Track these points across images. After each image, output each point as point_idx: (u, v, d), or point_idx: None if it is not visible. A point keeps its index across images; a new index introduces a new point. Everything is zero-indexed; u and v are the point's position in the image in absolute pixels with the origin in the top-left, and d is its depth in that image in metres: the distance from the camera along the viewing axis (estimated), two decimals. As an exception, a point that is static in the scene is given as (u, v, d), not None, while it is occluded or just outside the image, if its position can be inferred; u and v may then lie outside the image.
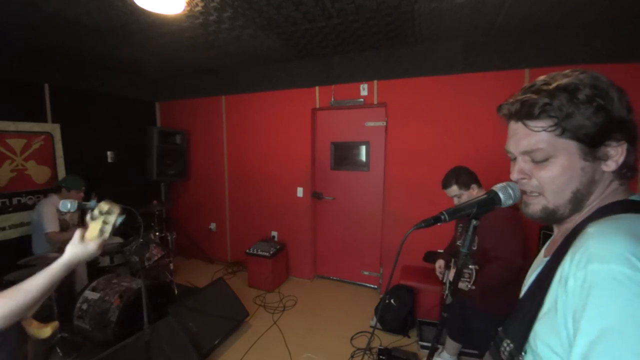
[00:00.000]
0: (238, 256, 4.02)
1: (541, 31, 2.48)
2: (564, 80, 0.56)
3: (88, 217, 1.00)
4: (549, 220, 0.64)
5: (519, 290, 1.73)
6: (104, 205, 1.02)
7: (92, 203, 1.06)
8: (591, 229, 0.51)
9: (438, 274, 2.03)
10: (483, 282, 1.58)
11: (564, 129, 0.55)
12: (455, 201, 1.88)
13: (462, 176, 1.86)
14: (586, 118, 0.54)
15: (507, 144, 0.66)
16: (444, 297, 2.05)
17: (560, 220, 0.63)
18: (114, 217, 1.01)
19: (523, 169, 0.63)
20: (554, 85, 0.57)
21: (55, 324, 0.98)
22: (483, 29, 2.50)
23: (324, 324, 2.81)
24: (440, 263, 2.03)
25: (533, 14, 2.20)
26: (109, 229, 1.00)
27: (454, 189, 1.85)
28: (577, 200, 0.59)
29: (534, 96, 0.58)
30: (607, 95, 0.54)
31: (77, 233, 0.99)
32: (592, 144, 0.55)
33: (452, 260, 2.00)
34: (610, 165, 0.56)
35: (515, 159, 0.65)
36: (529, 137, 0.59)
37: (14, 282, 2.36)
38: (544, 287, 0.57)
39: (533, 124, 0.58)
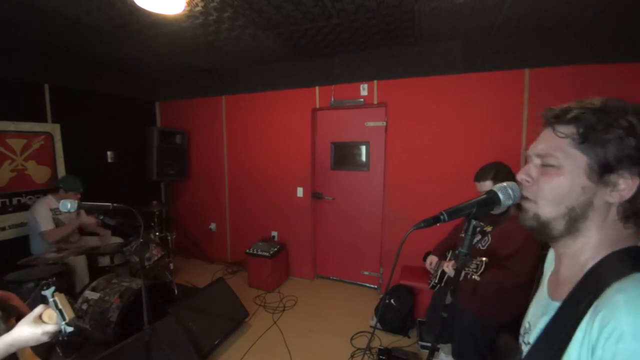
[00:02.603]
0: (238, 256, 4.02)
1: (541, 31, 2.48)
2: (615, 102, 0.56)
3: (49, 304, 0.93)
4: (541, 233, 0.63)
5: (510, 301, 1.70)
6: (63, 300, 0.94)
7: (48, 291, 0.96)
8: (620, 297, 0.48)
9: (430, 269, 2.02)
10: (484, 278, 1.57)
11: (584, 140, 0.55)
12: None
13: (501, 174, 1.73)
14: (610, 140, 0.53)
15: (530, 147, 0.66)
16: (432, 286, 2.03)
17: (553, 237, 0.62)
18: (64, 324, 0.92)
19: (530, 172, 0.63)
20: (604, 103, 0.56)
21: None
22: (483, 29, 2.50)
23: (324, 324, 2.81)
24: (432, 259, 2.01)
25: (533, 14, 2.20)
26: (61, 329, 0.91)
27: (487, 184, 1.73)
28: (572, 220, 0.58)
29: (576, 106, 0.57)
30: None
31: (37, 309, 0.93)
32: (603, 166, 0.54)
33: (450, 252, 1.98)
34: (614, 197, 0.54)
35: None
36: (549, 141, 0.60)
37: (14, 282, 2.36)
38: (560, 341, 0.54)
39: (561, 128, 0.58)
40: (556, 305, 0.61)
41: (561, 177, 0.57)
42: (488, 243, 1.78)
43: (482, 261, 1.53)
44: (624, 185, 0.53)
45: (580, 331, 0.51)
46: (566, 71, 2.46)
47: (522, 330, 0.74)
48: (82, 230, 3.08)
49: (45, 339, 0.92)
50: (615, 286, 0.50)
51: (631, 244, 0.56)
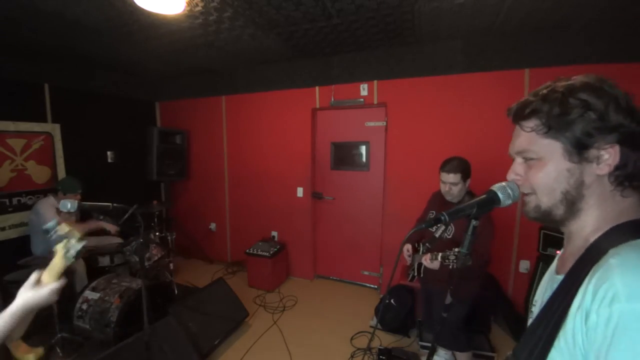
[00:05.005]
0: (238, 256, 4.02)
1: (541, 31, 2.48)
2: (562, 83, 0.58)
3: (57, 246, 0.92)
4: (546, 221, 0.64)
5: (475, 279, 1.75)
6: (65, 227, 0.94)
7: (51, 223, 0.96)
8: (613, 260, 0.48)
9: (406, 257, 2.11)
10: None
11: (549, 129, 0.57)
12: (447, 188, 1.91)
13: (467, 169, 1.90)
14: (573, 121, 0.55)
15: (509, 147, 0.68)
16: (411, 277, 2.13)
17: (558, 221, 0.63)
18: (74, 242, 0.92)
19: (517, 170, 0.65)
20: (551, 88, 0.59)
21: (40, 351, 0.91)
22: (483, 29, 2.50)
23: (324, 324, 2.82)
24: (407, 247, 2.11)
25: (533, 14, 2.20)
26: (71, 255, 0.91)
27: (456, 177, 1.87)
28: (569, 202, 0.59)
29: (532, 99, 0.60)
30: (602, 99, 0.54)
31: (33, 276, 0.91)
32: (577, 145, 0.56)
33: (420, 244, 2.07)
34: (603, 169, 0.55)
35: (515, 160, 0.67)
36: (521, 137, 0.63)
37: (14, 282, 2.37)
38: (559, 312, 0.54)
39: (525, 124, 0.61)
40: (559, 278, 0.62)
41: (546, 167, 0.59)
42: (452, 232, 1.94)
43: (459, 251, 1.63)
44: (607, 155, 0.55)
45: (577, 300, 0.51)
46: (566, 71, 2.41)
47: (530, 309, 0.75)
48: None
49: (54, 297, 0.89)
50: (611, 252, 0.50)
51: (634, 217, 0.56)
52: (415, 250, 2.09)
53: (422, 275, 2.02)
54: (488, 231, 1.79)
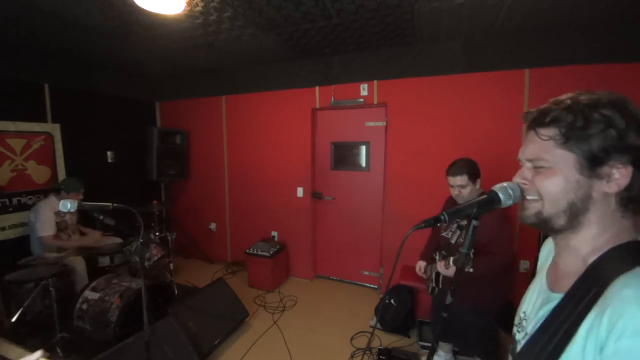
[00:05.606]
0: (238, 256, 4.02)
1: (541, 31, 2.48)
2: (586, 96, 0.57)
3: None
4: (542, 228, 0.63)
5: (501, 285, 1.78)
6: None
7: None
8: (628, 292, 0.48)
9: (420, 274, 2.08)
10: (476, 268, 1.62)
11: (567, 140, 0.57)
12: (456, 191, 1.85)
13: (474, 169, 1.85)
14: (592, 135, 0.54)
15: (519, 152, 0.67)
16: (431, 290, 2.09)
17: (554, 230, 0.62)
18: None
19: (525, 175, 0.65)
20: (575, 99, 0.58)
21: None
22: (483, 29, 2.50)
23: (324, 324, 2.81)
24: (420, 265, 2.07)
25: (533, 14, 2.20)
26: None
27: (463, 179, 1.82)
28: (573, 214, 0.59)
29: (554, 107, 0.59)
30: (624, 118, 0.54)
31: (36, 355, 0.88)
32: (591, 160, 0.55)
33: (437, 253, 2.03)
34: (612, 187, 0.55)
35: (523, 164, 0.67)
36: (535, 144, 0.61)
37: (14, 282, 2.35)
38: (561, 335, 0.54)
39: (542, 131, 0.60)
40: (557, 297, 0.61)
41: (555, 176, 0.59)
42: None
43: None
44: (618, 175, 0.55)
45: (585, 327, 0.51)
46: (566, 71, 2.45)
47: (516, 320, 0.74)
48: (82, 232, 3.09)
49: None
50: (621, 281, 0.50)
51: (630, 239, 0.57)
52: (433, 261, 2.04)
53: (440, 286, 1.97)
54: (503, 229, 1.74)
